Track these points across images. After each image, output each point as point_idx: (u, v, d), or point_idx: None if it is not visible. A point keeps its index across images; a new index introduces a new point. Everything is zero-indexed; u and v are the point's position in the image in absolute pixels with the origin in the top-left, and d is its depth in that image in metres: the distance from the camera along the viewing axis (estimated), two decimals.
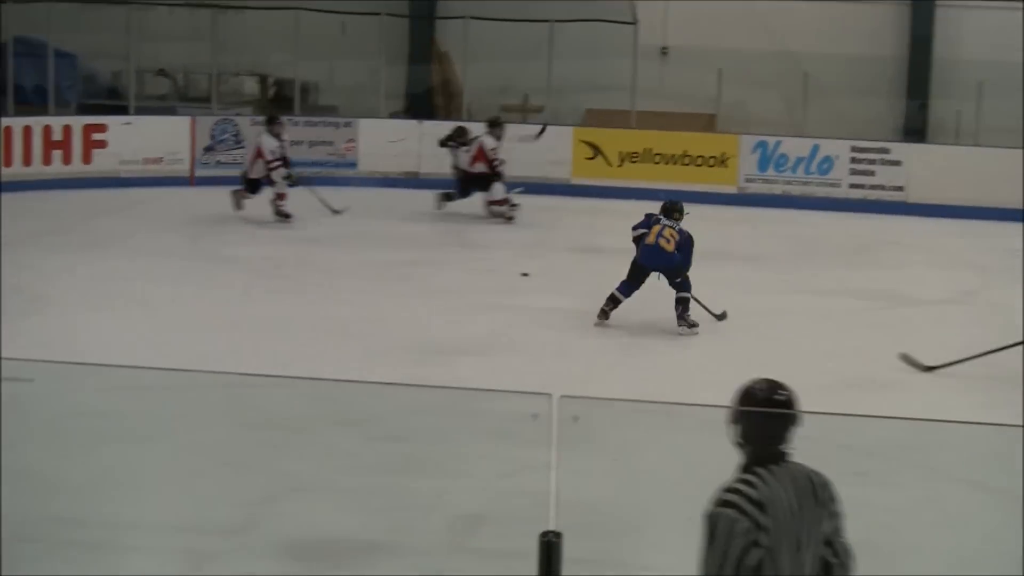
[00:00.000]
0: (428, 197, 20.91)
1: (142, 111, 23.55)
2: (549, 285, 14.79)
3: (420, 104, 26.56)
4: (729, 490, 4.99)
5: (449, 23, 26.46)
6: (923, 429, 7.33)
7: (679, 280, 13.48)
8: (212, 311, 13.98)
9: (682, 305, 13.41)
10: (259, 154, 19.05)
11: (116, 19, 23.93)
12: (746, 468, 5.05)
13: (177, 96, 26.20)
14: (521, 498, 5.56)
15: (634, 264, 13.61)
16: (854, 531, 5.07)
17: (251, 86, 26.75)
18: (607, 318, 13.44)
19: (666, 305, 13.42)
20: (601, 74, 25.07)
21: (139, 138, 22.46)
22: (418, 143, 23.39)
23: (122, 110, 23.45)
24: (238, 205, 19.11)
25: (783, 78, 24.60)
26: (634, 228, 13.82)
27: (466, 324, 13.30)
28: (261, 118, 22.72)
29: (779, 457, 5.04)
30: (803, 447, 5.01)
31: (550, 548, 4.88)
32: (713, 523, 4.96)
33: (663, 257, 13.45)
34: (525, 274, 15.19)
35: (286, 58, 24.61)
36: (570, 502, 5.14)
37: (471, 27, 24.55)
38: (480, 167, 20.13)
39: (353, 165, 23.55)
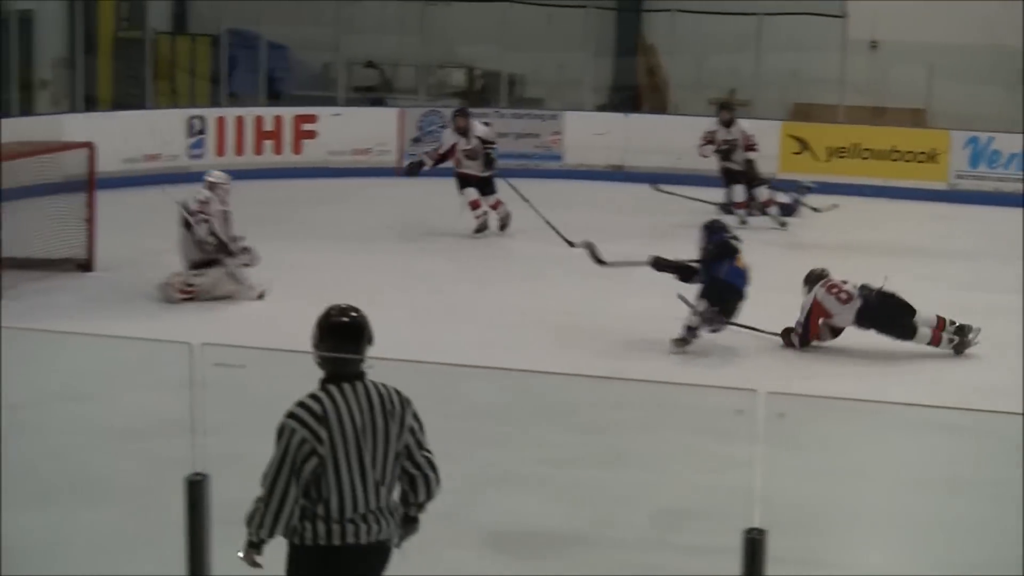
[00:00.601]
0: (632, 190, 20.83)
1: (351, 102, 23.90)
2: (754, 280, 14.65)
3: (626, 97, 26.50)
4: (297, 404, 5.60)
5: (656, 16, 26.34)
6: None
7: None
8: (417, 300, 14.10)
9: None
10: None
11: (327, 12, 24.27)
12: (320, 385, 5.65)
13: (385, 87, 26.50)
14: (725, 494, 5.51)
15: (726, 287, 12.59)
16: None
17: (458, 78, 26.91)
18: (687, 345, 12.53)
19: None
20: (809, 68, 24.75)
21: (348, 129, 22.78)
22: (623, 136, 23.35)
23: (331, 101, 23.79)
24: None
25: (996, 73, 24.05)
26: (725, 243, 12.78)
27: (671, 319, 13.20)
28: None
29: (353, 376, 5.67)
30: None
31: (754, 545, 4.83)
32: (279, 433, 5.58)
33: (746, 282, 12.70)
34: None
35: (493, 50, 24.72)
36: (774, 499, 5.09)
37: (678, 20, 24.44)
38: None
39: (558, 158, 23.59)
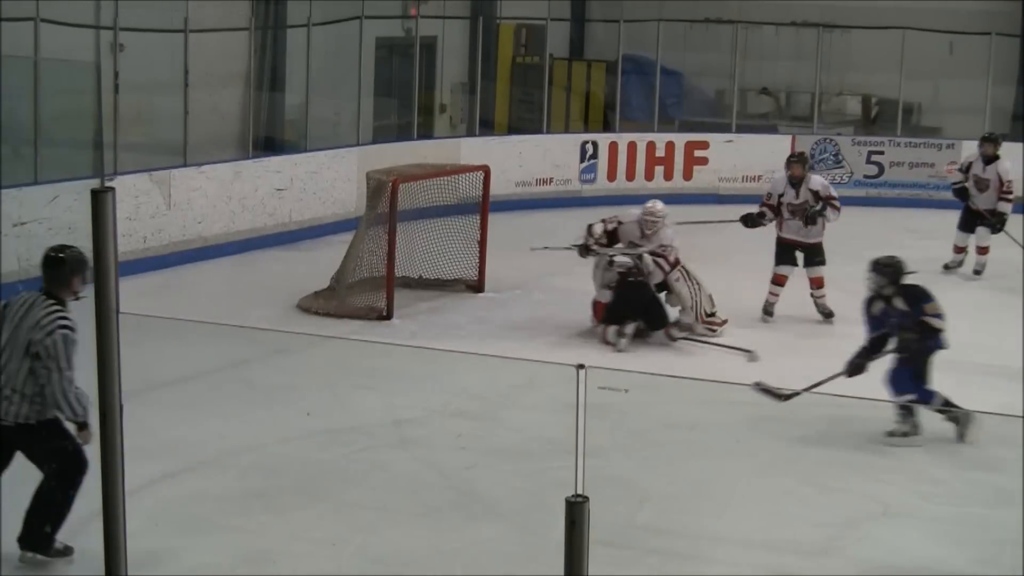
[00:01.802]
0: None
1: (743, 129, 23.74)
2: None
3: None
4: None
5: None
6: None
7: None
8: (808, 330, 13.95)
9: None
10: None
11: (723, 38, 24.24)
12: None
13: (779, 115, 26.28)
14: None
15: None
16: None
17: (853, 106, 26.49)
18: None
19: None
20: None
21: (739, 156, 22.68)
22: None
23: (724, 128, 23.73)
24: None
25: None
26: None
27: None
28: (862, 139, 22.70)
29: (45, 292, 7.34)
30: None
31: None
32: None
33: None
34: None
35: (890, 78, 24.23)
36: None
37: None
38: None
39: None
